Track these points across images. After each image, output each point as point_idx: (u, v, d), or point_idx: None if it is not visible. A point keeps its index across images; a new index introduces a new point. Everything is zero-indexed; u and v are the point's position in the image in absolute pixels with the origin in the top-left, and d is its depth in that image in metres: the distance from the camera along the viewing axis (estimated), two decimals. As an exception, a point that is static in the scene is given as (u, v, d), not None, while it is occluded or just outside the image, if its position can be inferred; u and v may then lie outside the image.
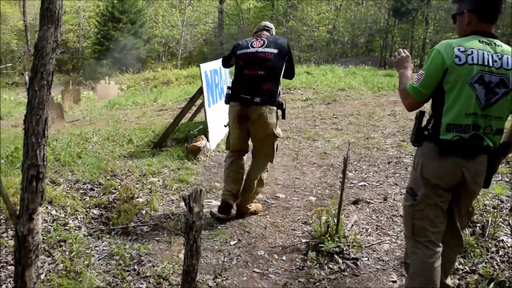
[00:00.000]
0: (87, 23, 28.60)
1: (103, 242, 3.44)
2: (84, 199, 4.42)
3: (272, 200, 4.31)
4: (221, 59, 4.24)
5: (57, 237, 3.48)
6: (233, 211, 3.96)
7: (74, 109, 14.26)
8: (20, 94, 20.59)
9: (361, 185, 4.65)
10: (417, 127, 2.14)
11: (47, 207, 4.02)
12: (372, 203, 4.11)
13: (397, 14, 25.53)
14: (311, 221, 3.62)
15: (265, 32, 3.88)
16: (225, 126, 4.00)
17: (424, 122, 2.16)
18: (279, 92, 3.77)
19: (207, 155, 5.87)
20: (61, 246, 3.36)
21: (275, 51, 3.58)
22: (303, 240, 3.34)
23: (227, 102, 3.81)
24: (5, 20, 25.69)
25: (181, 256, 3.13)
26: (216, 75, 6.67)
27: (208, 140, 6.02)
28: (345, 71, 14.71)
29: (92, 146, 6.91)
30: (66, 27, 29.43)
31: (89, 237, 3.55)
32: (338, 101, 9.81)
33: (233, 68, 3.92)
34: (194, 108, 7.91)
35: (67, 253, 3.25)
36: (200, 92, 5.91)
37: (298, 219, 3.80)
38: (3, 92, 21.96)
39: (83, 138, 7.31)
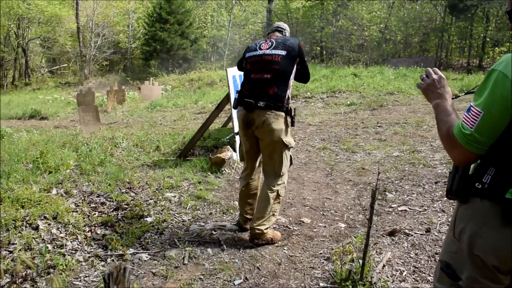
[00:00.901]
0: (137, 24, 29.13)
1: (95, 271, 3.06)
2: (93, 215, 4.10)
3: (294, 226, 3.77)
4: None
5: (49, 262, 3.15)
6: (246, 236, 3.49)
7: (117, 110, 14.33)
8: (72, 93, 21.16)
9: (401, 210, 4.00)
10: (461, 175, 1.45)
11: (49, 224, 3.72)
12: (412, 235, 3.47)
13: (454, 11, 23.87)
14: (333, 259, 3.04)
15: (277, 33, 3.54)
16: (236, 134, 3.56)
17: (471, 168, 1.46)
18: (288, 96, 3.36)
19: (233, 167, 5.41)
20: (49, 273, 3.01)
21: (283, 52, 3.27)
22: (321, 284, 2.78)
23: (234, 107, 3.52)
24: (59, 22, 26.64)
25: (175, 297, 2.68)
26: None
27: (235, 151, 5.56)
28: (395, 73, 13.77)
29: (120, 152, 6.68)
30: (117, 28, 30.17)
31: (82, 264, 3.18)
32: (385, 107, 9.04)
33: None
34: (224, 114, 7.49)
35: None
36: (227, 98, 5.46)
37: (321, 254, 3.24)
38: (55, 91, 22.77)
39: (112, 143, 7.10)
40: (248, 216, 3.61)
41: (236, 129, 3.55)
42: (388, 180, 4.74)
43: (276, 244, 3.38)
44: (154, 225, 3.82)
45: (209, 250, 3.32)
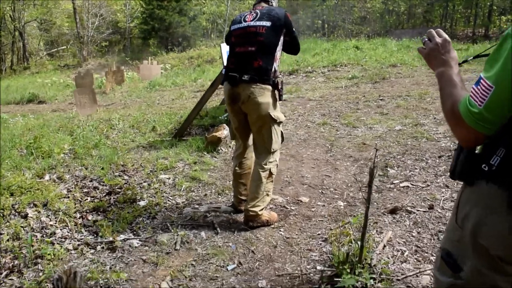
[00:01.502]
0: (134, 2, 28.59)
1: (84, 259, 2.94)
2: (85, 200, 3.99)
3: (292, 206, 3.63)
4: None
5: (36, 251, 3.04)
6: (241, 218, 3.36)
7: (116, 91, 14.13)
8: (71, 76, 20.93)
9: (403, 187, 3.84)
10: (466, 155, 1.25)
11: (39, 212, 3.60)
12: (414, 213, 3.32)
13: (459, -21, 23.26)
14: (330, 241, 2.91)
15: (262, 4, 3.34)
16: (226, 112, 3.42)
17: (478, 149, 1.25)
18: (275, 69, 3.18)
19: (229, 146, 5.25)
20: (36, 264, 2.90)
21: (268, 23, 3.11)
22: (318, 267, 2.64)
23: (221, 82, 3.41)
24: (55, 3, 26.19)
25: (164, 285, 2.56)
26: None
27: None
28: (398, 45, 13.41)
29: (116, 134, 6.54)
30: (115, 7, 29.66)
31: (71, 252, 3.06)
32: (387, 80, 8.78)
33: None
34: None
35: (40, 274, 2.79)
36: (221, 75, 5.25)
37: (319, 235, 3.09)
38: (54, 74, 22.55)
39: (108, 125, 6.96)
40: (243, 198, 3.47)
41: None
42: (390, 155, 4.57)
43: (272, 226, 3.25)
44: (146, 209, 3.70)
45: (203, 233, 3.20)
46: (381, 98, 7.06)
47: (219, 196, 3.89)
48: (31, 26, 28.32)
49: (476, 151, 1.24)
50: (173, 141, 5.62)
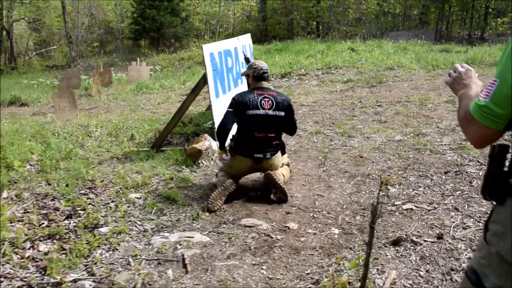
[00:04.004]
0: (126, 1, 27.96)
1: (21, 307, 2.41)
2: (42, 224, 3.45)
3: (278, 234, 3.11)
4: (233, 40, 5.74)
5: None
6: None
7: (101, 93, 13.54)
8: (59, 77, 20.30)
9: (407, 209, 3.34)
10: (495, 172, 1.22)
11: (-19, 241, 3.06)
12: (421, 244, 2.82)
13: (456, -20, 22.85)
14: (322, 284, 2.39)
15: (265, 83, 3.89)
16: (224, 159, 4.05)
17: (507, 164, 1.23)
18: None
19: (211, 159, 4.73)
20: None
21: (283, 113, 3.80)
22: (307, 325, 2.13)
23: (232, 154, 3.89)
24: (44, 2, 25.53)
25: None
26: (229, 56, 5.46)
27: (215, 139, 4.86)
28: (395, 47, 12.94)
29: (91, 142, 6.00)
30: (106, 7, 29.03)
31: (8, 298, 2.53)
32: (384, 83, 8.29)
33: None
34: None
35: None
36: (204, 80, 4.74)
37: (308, 275, 2.58)
38: (42, 75, 21.90)
39: (84, 133, 6.41)
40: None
41: (215, 121, 4.27)
42: (390, 170, 4.07)
43: (253, 262, 2.73)
44: (108, 237, 3.17)
45: (170, 272, 2.67)
46: (378, 104, 6.57)
47: (194, 222, 3.36)
48: (20, 25, 27.62)
49: (505, 169, 1.22)
50: (150, 152, 5.09)
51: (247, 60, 5.22)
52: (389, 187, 3.72)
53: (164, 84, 12.66)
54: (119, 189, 4.08)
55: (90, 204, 3.81)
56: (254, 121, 3.71)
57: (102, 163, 5.02)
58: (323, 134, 5.44)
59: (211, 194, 3.54)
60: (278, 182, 3.58)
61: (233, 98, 3.79)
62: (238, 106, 3.72)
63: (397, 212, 3.30)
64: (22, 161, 4.82)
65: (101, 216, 3.54)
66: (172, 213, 3.53)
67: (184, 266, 2.73)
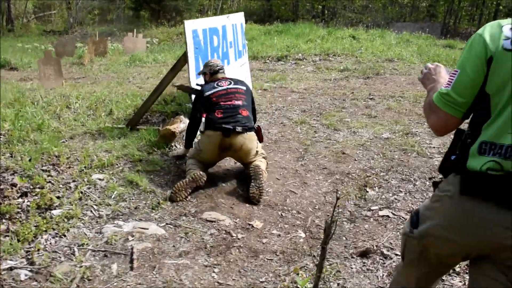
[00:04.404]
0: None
1: None
2: (-8, 201, 3.21)
3: (239, 233, 2.88)
4: (222, 18, 5.58)
5: None
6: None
7: (94, 63, 13.17)
8: (55, 43, 19.85)
9: (383, 216, 3.11)
10: (448, 152, 1.41)
11: None
12: (391, 258, 2.60)
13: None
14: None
15: (222, 75, 3.92)
16: (195, 147, 3.79)
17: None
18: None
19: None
20: None
21: (244, 87, 3.79)
22: None
23: (202, 132, 3.69)
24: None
25: None
26: (215, 35, 5.15)
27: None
28: (397, 38, 12.55)
29: (69, 114, 5.72)
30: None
31: None
32: (381, 75, 7.98)
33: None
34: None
35: None
36: (185, 58, 4.44)
37: (262, 282, 2.36)
38: (38, 39, 21.42)
39: (63, 103, 6.13)
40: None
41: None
42: (372, 170, 3.83)
43: (206, 263, 2.51)
44: (59, 222, 2.93)
45: (114, 267, 2.45)
46: (371, 96, 6.29)
47: (153, 211, 3.12)
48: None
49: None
50: (125, 130, 4.82)
51: (192, 90, 4.57)
52: (367, 189, 3.49)
53: (157, 58, 12.30)
54: (83, 168, 3.83)
55: (49, 182, 3.57)
56: (215, 96, 3.63)
57: (74, 138, 4.76)
58: (308, 124, 5.17)
59: (177, 184, 3.29)
60: (262, 179, 3.34)
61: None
62: (197, 96, 3.86)
63: (371, 219, 3.07)
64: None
65: (56, 197, 3.30)
66: (132, 199, 3.29)
67: (131, 261, 2.51)
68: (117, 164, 3.91)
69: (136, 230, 2.83)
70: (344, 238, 2.80)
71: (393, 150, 4.25)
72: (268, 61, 10.34)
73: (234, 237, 2.80)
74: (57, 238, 2.76)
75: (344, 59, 9.91)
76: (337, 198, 1.54)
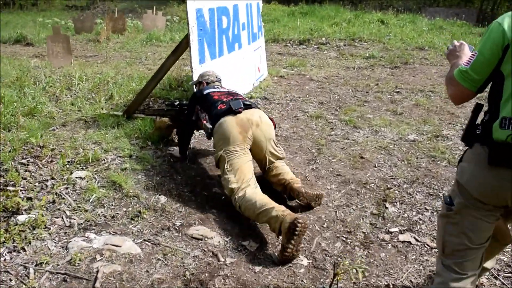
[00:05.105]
0: None
1: None
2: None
3: (229, 256, 2.40)
4: None
5: None
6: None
7: (110, 40, 12.78)
8: (75, 18, 19.57)
9: (403, 242, 2.59)
10: (469, 123, 1.60)
11: None
12: (413, 302, 2.08)
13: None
14: None
15: (218, 83, 3.61)
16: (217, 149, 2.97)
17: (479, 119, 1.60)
18: None
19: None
20: None
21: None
22: None
23: (209, 137, 3.12)
24: None
25: None
26: (225, 15, 4.62)
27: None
28: (430, 24, 11.70)
29: (67, 97, 5.33)
30: None
31: None
32: (410, 65, 7.30)
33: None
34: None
35: None
36: (187, 41, 3.94)
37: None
38: (60, 14, 21.20)
39: (65, 85, 5.74)
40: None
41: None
42: (394, 181, 3.29)
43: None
44: (23, 230, 2.53)
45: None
46: (397, 90, 5.67)
47: (132, 221, 2.68)
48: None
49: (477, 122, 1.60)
50: (121, 118, 4.39)
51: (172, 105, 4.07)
52: (387, 205, 2.96)
53: (175, 37, 11.81)
54: (66, 163, 3.42)
55: (25, 179, 3.17)
56: (217, 94, 3.22)
57: (65, 125, 4.36)
58: (324, 119, 4.63)
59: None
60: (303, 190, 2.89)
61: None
62: (193, 96, 3.47)
63: (390, 245, 2.55)
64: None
65: (27, 198, 2.90)
66: (111, 206, 2.85)
67: (93, 290, 2.07)
68: (103, 160, 3.48)
69: (107, 248, 2.39)
70: (354, 270, 2.29)
71: (420, 156, 3.68)
72: (289, 44, 9.74)
73: (221, 262, 2.33)
74: (14, 254, 2.35)
75: (371, 45, 9.23)
76: (334, 274, 1.04)
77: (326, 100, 5.31)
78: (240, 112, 2.92)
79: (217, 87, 3.41)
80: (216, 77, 3.66)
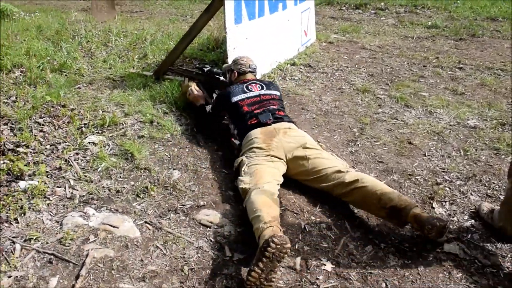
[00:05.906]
0: None
1: None
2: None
3: (238, 249, 2.08)
4: None
5: None
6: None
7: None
8: None
9: (448, 254, 2.15)
10: None
11: None
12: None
13: None
14: None
15: (251, 75, 3.29)
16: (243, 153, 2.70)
17: None
18: None
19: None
20: None
21: (278, 93, 3.12)
22: None
23: (237, 154, 2.75)
24: None
25: None
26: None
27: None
28: (507, -9, 10.47)
29: (102, 54, 5.12)
30: None
31: None
32: (477, 38, 6.47)
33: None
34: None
35: None
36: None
37: None
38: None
39: (101, 41, 5.53)
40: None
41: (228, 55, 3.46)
42: (445, 174, 2.80)
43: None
44: (20, 199, 2.32)
45: (52, 282, 1.79)
46: (460, 65, 4.98)
47: (137, 199, 2.40)
48: None
49: None
50: (149, 78, 4.11)
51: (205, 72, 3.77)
52: (434, 204, 2.50)
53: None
54: (83, 125, 3.19)
55: (37, 140, 2.98)
56: (247, 104, 2.93)
57: (92, 83, 4.14)
58: (372, 94, 4.12)
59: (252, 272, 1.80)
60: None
61: (215, 93, 3.45)
62: (220, 98, 3.16)
63: (431, 255, 2.12)
64: (11, 67, 4.14)
65: (35, 162, 2.69)
66: (119, 178, 2.58)
67: (77, 277, 1.83)
68: (122, 124, 3.22)
69: (103, 228, 2.13)
70: (383, 284, 1.91)
71: (480, 147, 3.14)
72: (344, 8, 9.02)
73: (228, 258, 2.02)
74: (5, 225, 2.14)
75: (435, 13, 8.33)
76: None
77: (377, 72, 4.75)
78: (268, 124, 2.73)
79: (248, 90, 3.03)
80: (250, 67, 3.29)
